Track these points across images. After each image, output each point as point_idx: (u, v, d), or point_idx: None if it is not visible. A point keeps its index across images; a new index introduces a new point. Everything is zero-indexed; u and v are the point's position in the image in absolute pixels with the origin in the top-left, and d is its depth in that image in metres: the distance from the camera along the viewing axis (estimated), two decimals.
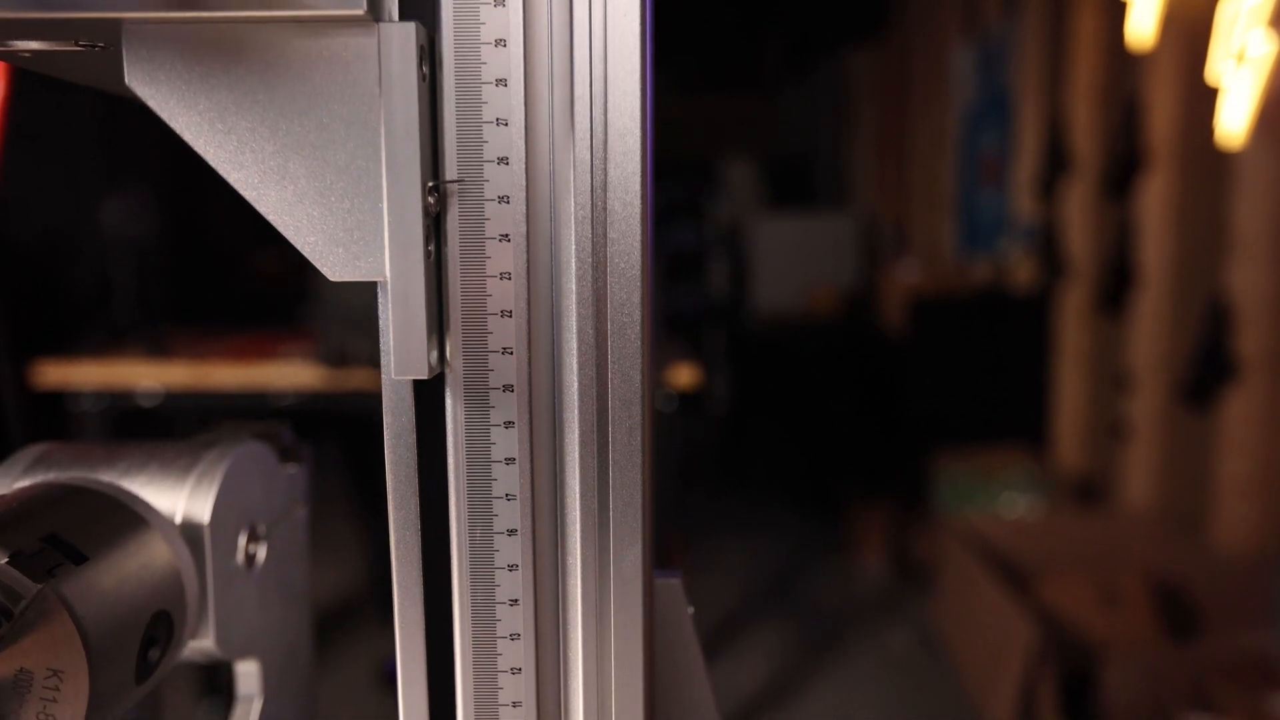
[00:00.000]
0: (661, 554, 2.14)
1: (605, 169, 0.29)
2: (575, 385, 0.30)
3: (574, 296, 0.30)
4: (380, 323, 0.29)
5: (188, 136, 0.28)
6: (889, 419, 3.01)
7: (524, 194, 0.29)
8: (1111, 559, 2.12)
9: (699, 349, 4.35)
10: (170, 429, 2.37)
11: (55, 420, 2.03)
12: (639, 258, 0.29)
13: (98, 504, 0.36)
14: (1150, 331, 2.31)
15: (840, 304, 3.82)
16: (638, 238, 0.29)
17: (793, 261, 4.23)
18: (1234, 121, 1.98)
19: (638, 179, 0.29)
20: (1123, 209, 2.42)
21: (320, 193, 0.28)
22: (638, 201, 0.29)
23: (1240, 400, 1.96)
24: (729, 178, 4.96)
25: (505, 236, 0.29)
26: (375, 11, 0.28)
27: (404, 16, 0.28)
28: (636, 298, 0.29)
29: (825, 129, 5.01)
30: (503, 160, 0.29)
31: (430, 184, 0.29)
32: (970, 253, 3.41)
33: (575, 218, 0.29)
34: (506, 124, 0.28)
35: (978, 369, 2.83)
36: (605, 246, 0.29)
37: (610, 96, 0.29)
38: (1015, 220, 3.02)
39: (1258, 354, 1.96)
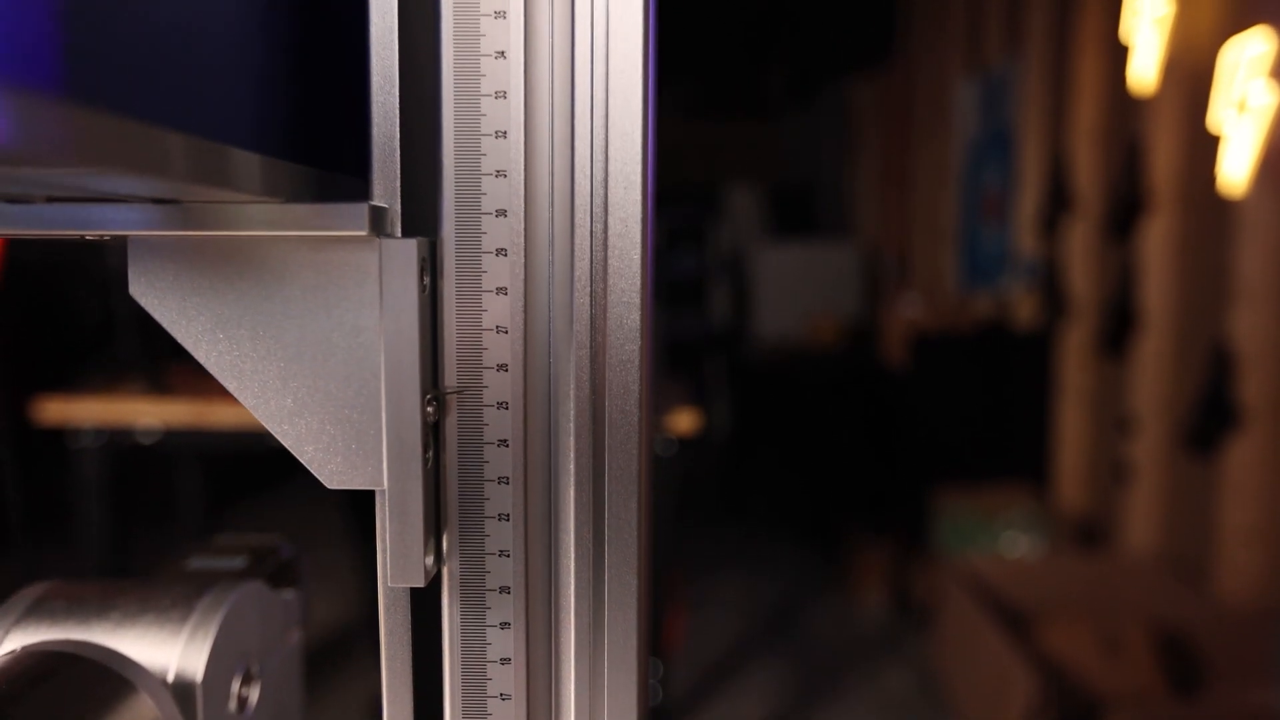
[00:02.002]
0: (662, 592, 2.13)
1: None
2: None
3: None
4: (377, 528, 0.29)
5: (188, 345, 0.28)
6: (890, 454, 3.00)
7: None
8: (1113, 605, 2.11)
9: (699, 376, 4.35)
10: (170, 467, 2.37)
11: (55, 457, 2.03)
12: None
13: (86, 673, 0.36)
14: (1152, 374, 2.30)
15: (842, 335, 3.82)
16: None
17: (794, 290, 4.23)
18: (1236, 170, 1.99)
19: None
20: (1125, 250, 2.42)
21: (320, 403, 0.28)
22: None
23: (1244, 448, 1.96)
24: (731, 204, 4.97)
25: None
26: (377, 229, 0.28)
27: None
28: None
29: (828, 157, 5.03)
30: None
31: (429, 395, 0.28)
32: (972, 287, 3.41)
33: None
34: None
35: (979, 406, 2.82)
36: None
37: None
38: (1018, 257, 3.03)
39: (1261, 401, 1.96)
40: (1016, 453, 2.79)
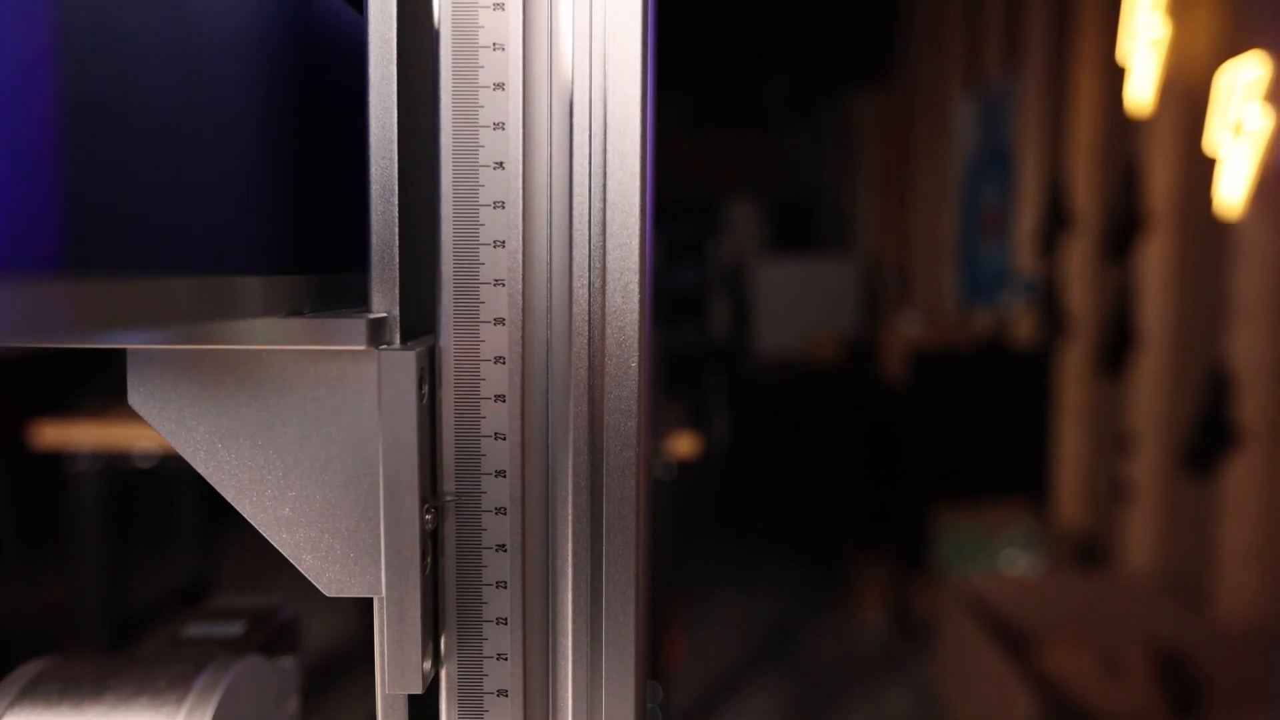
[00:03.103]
0: (661, 614, 2.13)
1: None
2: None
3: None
4: (375, 634, 0.29)
5: (187, 455, 0.28)
6: (889, 470, 3.00)
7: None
8: (1113, 625, 2.11)
9: (699, 391, 4.35)
10: (168, 491, 2.36)
11: (52, 481, 2.03)
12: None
13: None
14: (1151, 393, 2.31)
15: (841, 351, 3.82)
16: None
17: (794, 305, 4.24)
18: (1232, 192, 2.00)
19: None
20: (1123, 269, 2.42)
21: (318, 513, 0.29)
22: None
23: (1242, 468, 1.96)
24: (731, 218, 4.98)
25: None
26: (376, 340, 0.28)
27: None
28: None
29: (828, 171, 5.04)
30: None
31: (427, 504, 0.29)
32: (972, 303, 3.41)
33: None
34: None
35: (979, 423, 2.82)
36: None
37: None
38: (1017, 273, 3.03)
39: (1259, 422, 1.96)
40: (1016, 470, 2.79)
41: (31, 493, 2.29)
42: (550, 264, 0.29)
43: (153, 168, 0.20)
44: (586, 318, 0.29)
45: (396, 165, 0.29)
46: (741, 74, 5.34)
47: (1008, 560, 2.62)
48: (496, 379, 0.29)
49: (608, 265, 0.29)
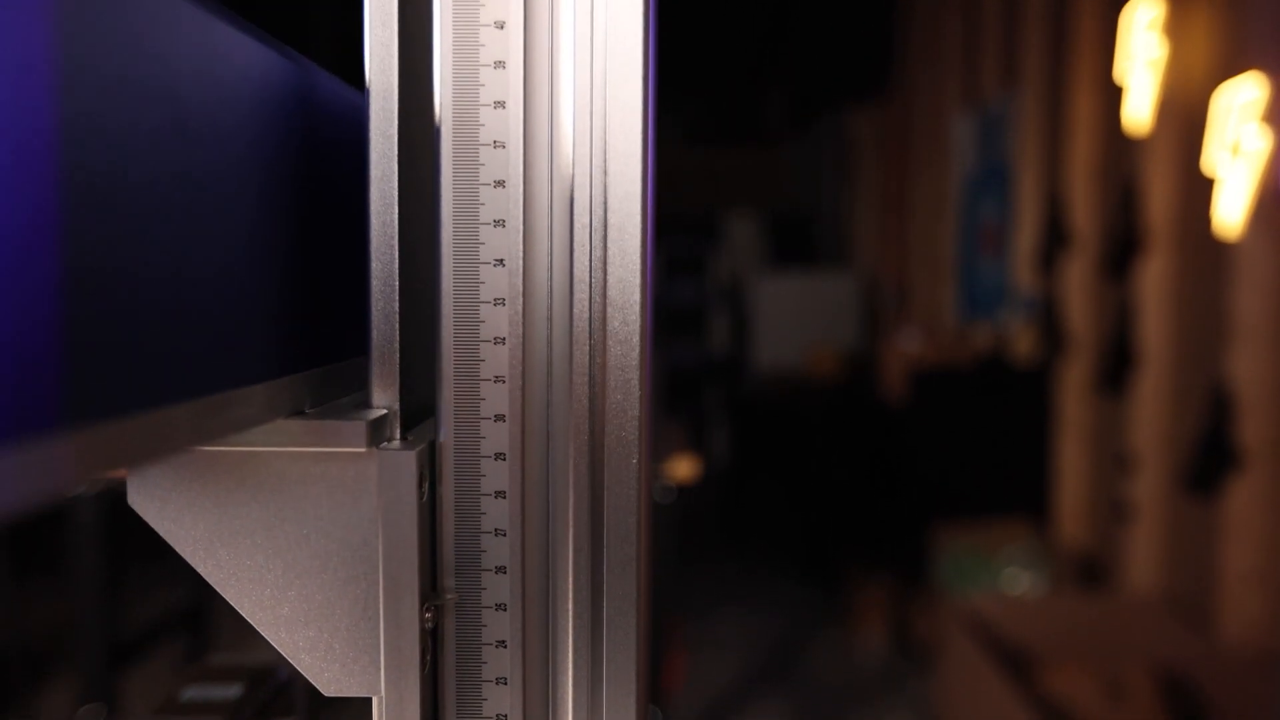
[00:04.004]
0: (660, 635, 2.12)
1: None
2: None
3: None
4: None
5: (186, 555, 0.28)
6: (889, 488, 2.99)
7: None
8: (1116, 647, 2.10)
9: (698, 406, 4.34)
10: None
11: (50, 504, 2.02)
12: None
13: None
14: (1152, 412, 2.30)
15: (841, 367, 3.82)
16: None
17: (794, 320, 4.24)
18: (1231, 213, 2.00)
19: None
20: (1122, 288, 2.42)
21: (318, 612, 0.28)
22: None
23: (1244, 490, 1.95)
24: (731, 233, 4.99)
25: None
26: (376, 440, 0.28)
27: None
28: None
29: (828, 186, 5.05)
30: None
31: (427, 604, 0.28)
32: (971, 319, 3.42)
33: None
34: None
35: (979, 441, 2.82)
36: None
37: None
38: (1016, 290, 3.03)
39: (1261, 443, 1.96)
40: (1016, 488, 2.79)
41: (29, 516, 2.29)
42: (550, 359, 0.29)
43: (155, 292, 0.20)
44: (587, 416, 0.29)
45: (397, 259, 0.29)
46: (741, 88, 5.36)
47: (1009, 580, 2.62)
48: (496, 475, 0.29)
49: (608, 363, 0.29)
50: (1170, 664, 1.96)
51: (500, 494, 0.29)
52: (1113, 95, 2.45)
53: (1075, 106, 2.65)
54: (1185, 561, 2.18)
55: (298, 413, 0.28)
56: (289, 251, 0.28)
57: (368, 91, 0.28)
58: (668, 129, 4.97)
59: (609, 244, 0.28)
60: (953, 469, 2.82)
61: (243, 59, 0.24)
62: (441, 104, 0.28)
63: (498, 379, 0.29)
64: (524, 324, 0.28)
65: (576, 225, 0.28)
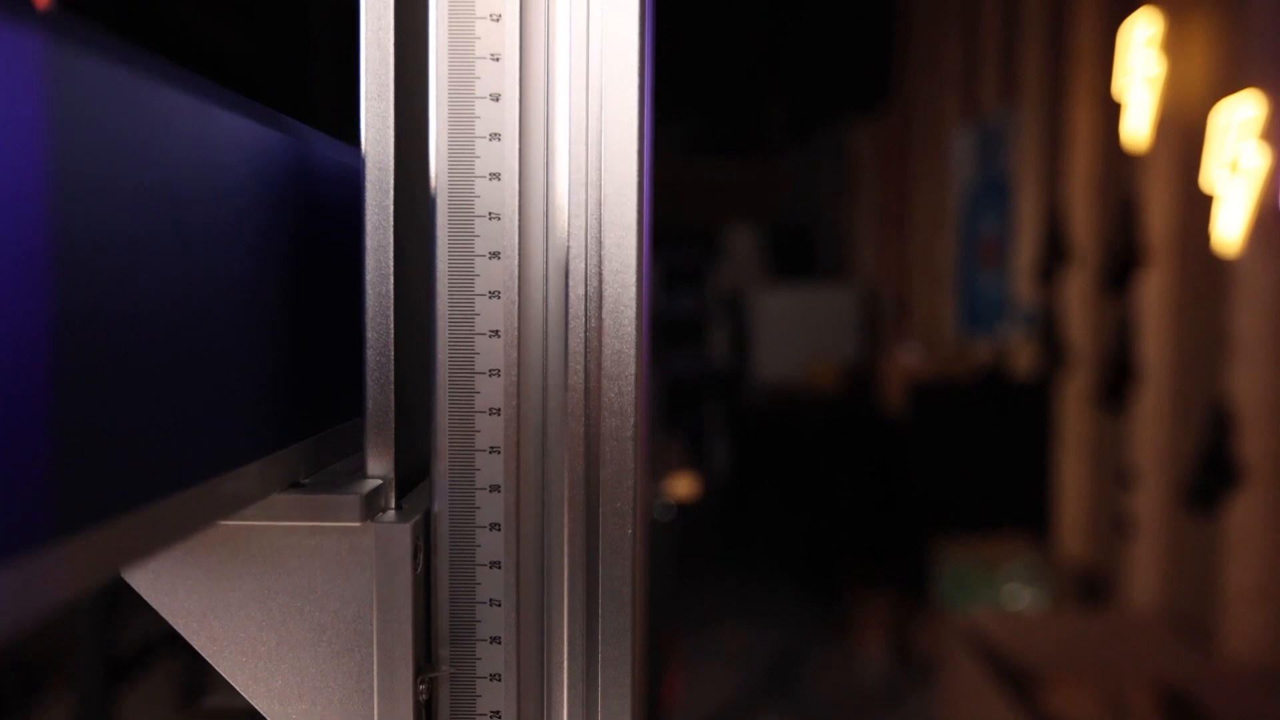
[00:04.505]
0: (658, 651, 2.11)
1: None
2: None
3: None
4: None
5: (179, 627, 0.28)
6: (889, 502, 2.99)
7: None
8: (1117, 664, 2.09)
9: (698, 418, 4.34)
10: None
11: None
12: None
13: None
14: (1152, 427, 2.30)
15: (841, 380, 3.82)
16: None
17: (793, 332, 4.24)
18: (1230, 229, 2.00)
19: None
20: (1122, 303, 2.43)
21: (311, 685, 0.28)
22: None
23: (1245, 506, 1.95)
24: (730, 244, 5.00)
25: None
26: (371, 513, 0.28)
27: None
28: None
29: (827, 198, 5.06)
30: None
31: (421, 676, 0.28)
32: (971, 332, 3.42)
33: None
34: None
35: (979, 455, 2.82)
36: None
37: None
38: (1016, 304, 3.04)
39: (1261, 459, 1.95)
40: (1017, 502, 2.78)
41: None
42: (545, 428, 0.29)
43: (148, 385, 0.20)
44: (583, 487, 0.28)
45: (392, 329, 0.29)
46: (741, 100, 5.37)
47: (1010, 595, 2.61)
48: (491, 546, 0.29)
49: (603, 433, 0.28)
50: (1172, 681, 1.95)
51: (495, 564, 0.29)
52: (1111, 111, 2.46)
53: (1074, 121, 2.65)
54: (1186, 578, 2.17)
55: (294, 484, 0.28)
56: (284, 324, 0.28)
57: (363, 161, 0.28)
58: (668, 141, 4.97)
59: (604, 314, 0.28)
60: (953, 483, 2.81)
61: (237, 140, 0.24)
62: (437, 174, 0.28)
63: (493, 449, 0.29)
64: (518, 397, 0.28)
65: (572, 296, 0.28)
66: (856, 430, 3.29)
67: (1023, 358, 2.96)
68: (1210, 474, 2.03)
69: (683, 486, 1.86)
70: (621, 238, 0.28)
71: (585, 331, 0.28)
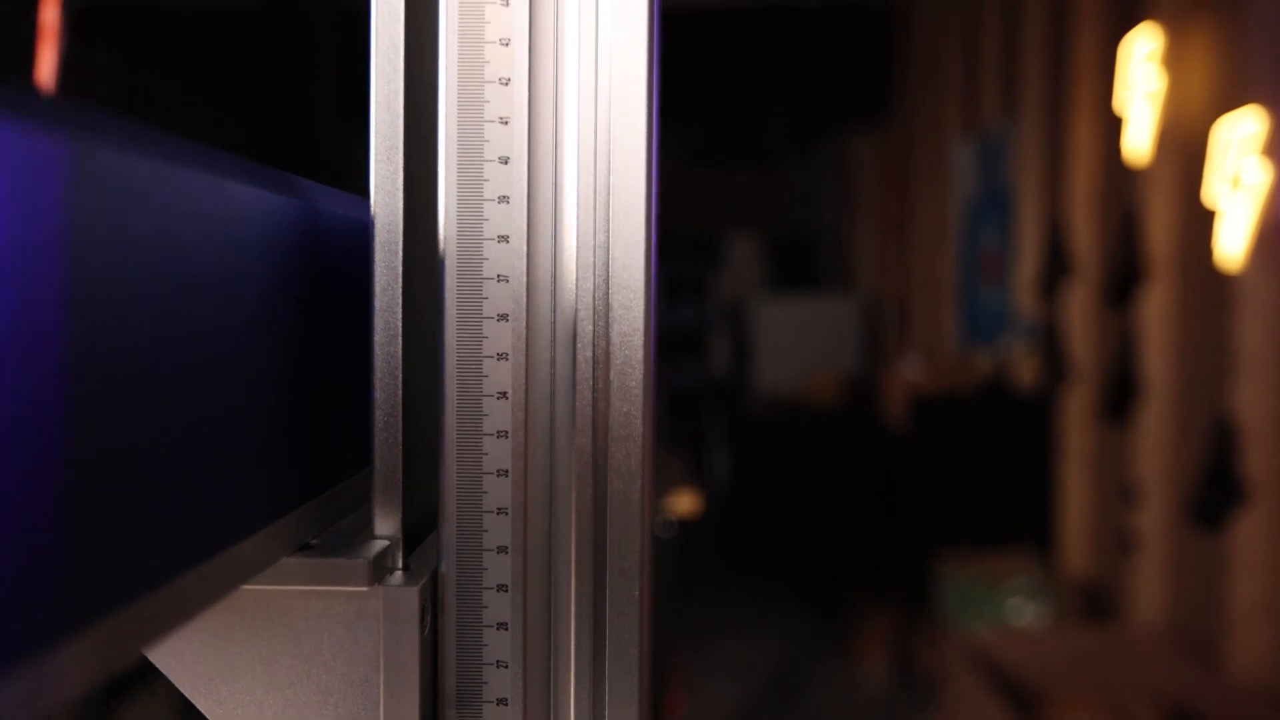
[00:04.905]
0: (660, 670, 2.11)
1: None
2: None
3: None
4: None
5: (185, 689, 0.28)
6: (891, 516, 2.98)
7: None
8: (1122, 681, 2.08)
9: (699, 429, 4.33)
10: None
11: None
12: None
13: None
14: (1156, 442, 2.29)
15: (842, 393, 3.82)
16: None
17: (795, 343, 4.24)
18: (1232, 245, 2.00)
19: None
20: (1124, 317, 2.42)
21: None
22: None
23: (1251, 522, 1.94)
24: (732, 254, 5.00)
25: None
26: (379, 576, 0.28)
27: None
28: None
29: (828, 208, 5.07)
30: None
31: None
32: (973, 345, 3.41)
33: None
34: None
35: (981, 469, 2.81)
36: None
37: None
38: (1017, 317, 3.03)
39: (1266, 476, 1.95)
40: (1021, 517, 2.78)
41: None
42: (552, 489, 0.29)
43: (159, 467, 0.20)
44: (591, 547, 0.28)
45: (400, 390, 0.29)
46: (743, 111, 5.39)
47: (1013, 610, 2.60)
48: (498, 607, 0.29)
49: (610, 495, 0.28)
50: (1177, 699, 1.94)
51: (502, 626, 0.29)
52: (1112, 124, 2.46)
53: (1075, 135, 2.66)
54: (1191, 594, 2.17)
55: (302, 547, 0.28)
56: (294, 385, 0.28)
57: (373, 222, 0.28)
58: (670, 150, 4.98)
59: (612, 375, 0.28)
60: (955, 497, 2.81)
61: (248, 211, 0.24)
62: (446, 237, 0.28)
63: (500, 511, 0.29)
64: (526, 460, 0.28)
65: (579, 359, 0.28)
66: (858, 443, 3.29)
67: (1024, 371, 2.95)
68: (1214, 490, 2.02)
69: (684, 503, 1.86)
70: (629, 300, 0.28)
71: (593, 394, 0.28)
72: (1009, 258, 3.10)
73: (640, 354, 0.28)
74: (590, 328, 0.28)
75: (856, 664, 2.83)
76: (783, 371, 4.17)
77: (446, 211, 0.28)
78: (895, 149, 4.23)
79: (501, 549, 0.29)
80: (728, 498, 4.00)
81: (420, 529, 0.31)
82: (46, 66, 0.69)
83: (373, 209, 0.28)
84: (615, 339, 0.28)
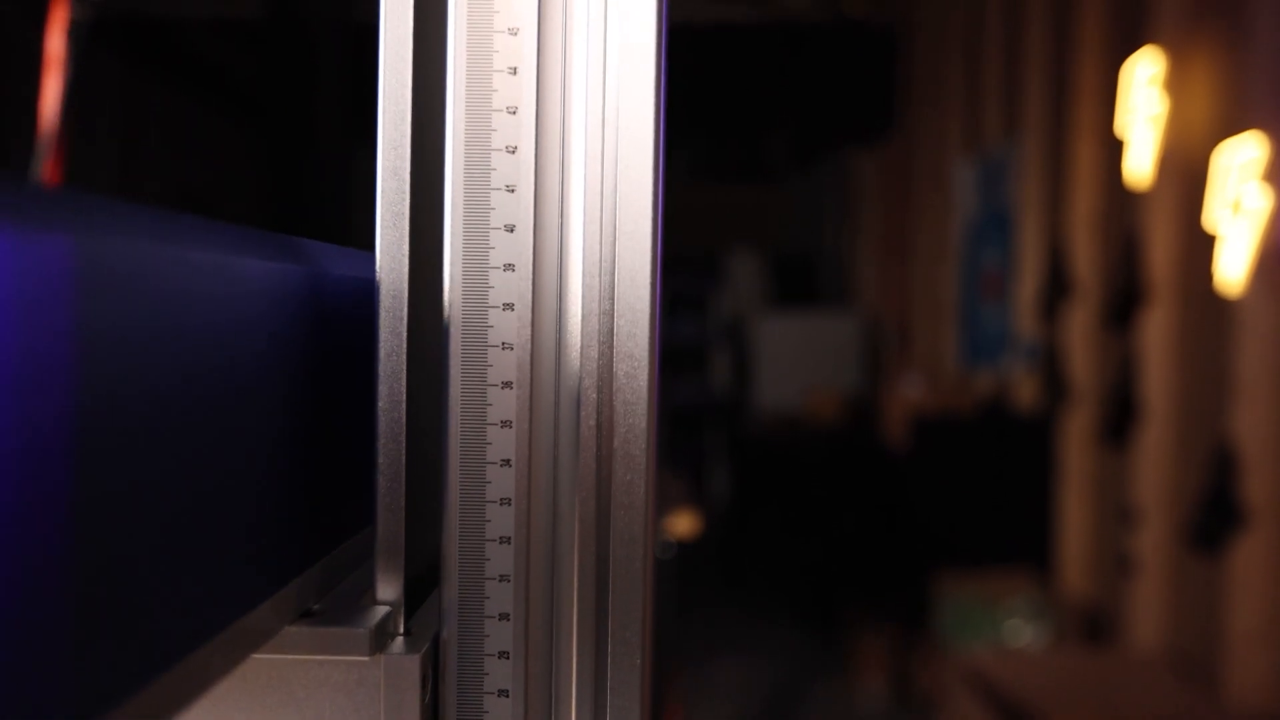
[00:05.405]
0: (658, 688, 2.10)
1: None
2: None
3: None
4: None
5: None
6: (890, 535, 2.98)
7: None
8: (1120, 705, 2.07)
9: (699, 445, 4.33)
10: None
11: None
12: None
13: None
14: (1155, 465, 2.29)
15: (842, 411, 3.82)
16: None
17: (795, 360, 4.24)
18: (1232, 269, 2.00)
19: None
20: (1125, 340, 2.43)
21: None
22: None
23: (1250, 548, 1.94)
24: (733, 271, 5.01)
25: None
26: (380, 644, 0.28)
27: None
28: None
29: (830, 226, 5.08)
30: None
31: None
32: (973, 364, 3.42)
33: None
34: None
35: (981, 490, 2.81)
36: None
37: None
38: (1018, 337, 3.04)
39: (1265, 501, 1.94)
40: (1019, 538, 2.77)
41: None
42: (554, 555, 0.29)
43: (166, 552, 0.20)
44: (593, 617, 0.28)
45: (404, 455, 0.29)
46: (745, 126, 5.40)
47: (1011, 631, 2.59)
48: (499, 674, 0.29)
49: (613, 557, 0.28)
50: None
51: (503, 692, 0.29)
52: (1114, 147, 2.47)
53: (1076, 156, 2.67)
54: (1190, 618, 2.16)
55: (304, 614, 0.28)
56: (298, 454, 0.28)
57: (378, 287, 0.28)
58: (672, 166, 4.99)
59: (615, 443, 0.28)
60: (954, 517, 2.80)
61: (252, 285, 0.24)
62: (450, 303, 0.28)
63: (502, 578, 0.29)
64: (528, 526, 0.28)
65: (583, 427, 0.28)
66: (858, 462, 3.28)
67: (1025, 391, 2.96)
68: (1214, 514, 2.02)
69: (683, 524, 1.85)
70: (633, 369, 0.28)
71: (596, 461, 0.28)
72: (1010, 278, 3.11)
73: (643, 423, 0.28)
74: (595, 395, 0.28)
75: (854, 683, 2.82)
76: (783, 388, 4.17)
77: (451, 279, 0.28)
78: (897, 167, 4.24)
79: (504, 615, 0.29)
80: (727, 516, 3.99)
81: (423, 584, 0.31)
82: (51, 97, 0.69)
83: (378, 273, 0.28)
84: (619, 407, 0.28)
